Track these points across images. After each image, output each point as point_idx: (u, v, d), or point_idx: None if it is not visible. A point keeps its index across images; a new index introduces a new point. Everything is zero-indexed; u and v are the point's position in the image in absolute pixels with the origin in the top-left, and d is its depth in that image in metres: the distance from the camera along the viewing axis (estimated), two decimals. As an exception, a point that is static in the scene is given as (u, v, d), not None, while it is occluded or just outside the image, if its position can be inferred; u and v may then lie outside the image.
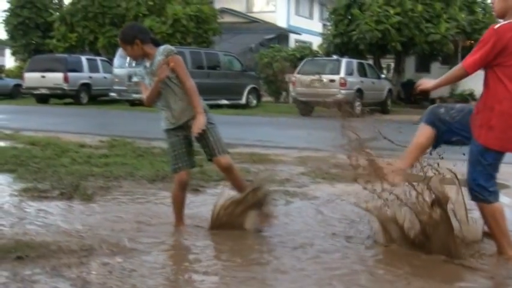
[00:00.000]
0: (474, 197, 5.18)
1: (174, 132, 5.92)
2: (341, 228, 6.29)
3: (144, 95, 6.00)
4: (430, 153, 5.60)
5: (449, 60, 34.28)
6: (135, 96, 26.86)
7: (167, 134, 5.98)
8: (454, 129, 5.30)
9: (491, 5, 33.78)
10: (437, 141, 5.43)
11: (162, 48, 5.85)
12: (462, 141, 5.27)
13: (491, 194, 5.10)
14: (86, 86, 32.90)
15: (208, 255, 5.39)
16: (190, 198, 6.70)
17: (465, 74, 5.10)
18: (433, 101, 33.69)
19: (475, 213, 5.63)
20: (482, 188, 5.08)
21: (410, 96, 33.65)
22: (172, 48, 5.85)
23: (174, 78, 5.76)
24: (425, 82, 5.59)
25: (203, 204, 7.15)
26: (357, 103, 25.89)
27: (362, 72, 27.26)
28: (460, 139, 5.29)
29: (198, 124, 5.68)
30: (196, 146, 6.07)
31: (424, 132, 5.44)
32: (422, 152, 5.48)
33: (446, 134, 5.35)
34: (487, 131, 4.97)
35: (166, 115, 5.92)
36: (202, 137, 5.84)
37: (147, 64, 5.89)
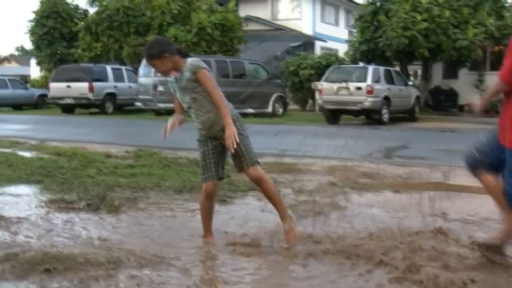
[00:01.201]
0: None
1: (204, 143, 5.91)
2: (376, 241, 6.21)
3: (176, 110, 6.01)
4: None
5: (477, 66, 34.03)
6: (160, 105, 26.93)
7: (198, 143, 5.97)
8: (491, 161, 5.21)
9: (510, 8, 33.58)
10: None
11: (189, 62, 5.77)
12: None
13: None
14: (111, 96, 33.16)
15: (238, 268, 5.34)
16: (217, 208, 6.67)
17: (502, 84, 5.04)
18: (461, 108, 33.58)
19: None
20: None
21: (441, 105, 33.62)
22: (199, 63, 5.75)
23: (202, 91, 5.72)
24: (475, 104, 5.47)
25: (231, 215, 7.13)
26: (384, 111, 25.83)
27: (389, 79, 27.11)
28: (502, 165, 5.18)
29: (229, 137, 5.58)
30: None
31: (484, 179, 5.33)
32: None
33: (489, 169, 5.26)
34: None
35: (197, 126, 5.90)
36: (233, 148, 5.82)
37: (177, 76, 5.84)
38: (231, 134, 5.58)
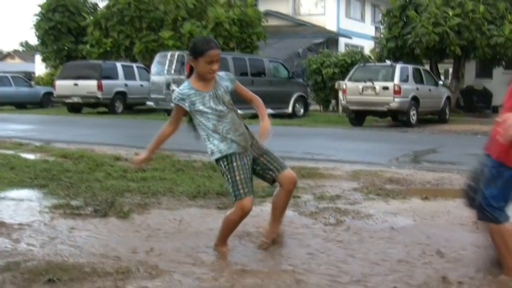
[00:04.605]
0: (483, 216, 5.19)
1: (242, 155, 5.79)
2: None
3: (170, 124, 6.39)
4: None
5: (513, 65, 33.85)
6: (173, 105, 26.80)
7: (237, 157, 5.76)
8: None
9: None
10: None
11: (224, 72, 5.94)
12: None
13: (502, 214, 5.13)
14: (121, 95, 33.20)
15: (255, 280, 5.30)
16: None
17: None
18: (495, 109, 33.45)
19: None
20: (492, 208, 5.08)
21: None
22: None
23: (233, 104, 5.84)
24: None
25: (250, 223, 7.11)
26: (413, 112, 25.71)
27: (418, 78, 26.95)
28: None
29: (265, 129, 5.76)
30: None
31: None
32: None
33: None
34: None
35: (234, 139, 5.75)
36: (265, 153, 5.91)
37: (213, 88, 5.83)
38: (267, 127, 5.77)
